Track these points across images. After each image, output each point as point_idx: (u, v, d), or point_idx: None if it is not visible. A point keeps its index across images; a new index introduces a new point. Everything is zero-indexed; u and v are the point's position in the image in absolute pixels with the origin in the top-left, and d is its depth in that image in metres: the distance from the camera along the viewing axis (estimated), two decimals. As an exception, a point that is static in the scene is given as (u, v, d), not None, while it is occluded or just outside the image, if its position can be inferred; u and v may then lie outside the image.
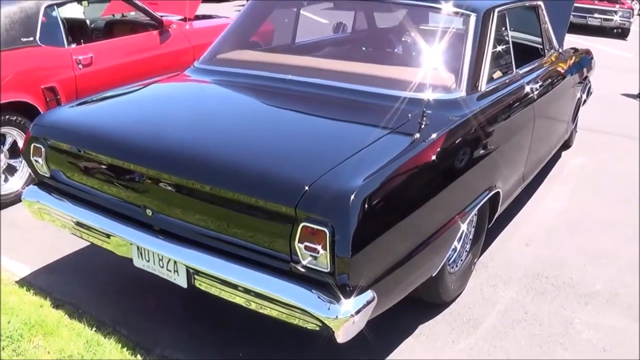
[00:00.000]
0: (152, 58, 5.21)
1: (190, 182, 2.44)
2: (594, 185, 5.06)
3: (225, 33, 3.85)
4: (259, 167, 2.39)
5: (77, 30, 5.68)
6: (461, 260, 3.25)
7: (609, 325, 3.15)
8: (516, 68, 3.68)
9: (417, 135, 2.57)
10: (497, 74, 3.43)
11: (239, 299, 2.41)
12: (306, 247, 2.15)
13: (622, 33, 16.93)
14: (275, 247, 2.29)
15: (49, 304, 3.07)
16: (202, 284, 2.51)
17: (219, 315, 3.04)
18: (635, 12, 18.05)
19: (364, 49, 4.58)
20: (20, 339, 2.77)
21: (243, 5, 4.35)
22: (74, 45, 4.78)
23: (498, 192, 3.27)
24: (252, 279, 2.33)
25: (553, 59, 4.51)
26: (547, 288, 3.46)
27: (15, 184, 4.33)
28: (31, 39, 4.40)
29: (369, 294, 2.25)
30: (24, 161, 4.14)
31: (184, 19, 5.91)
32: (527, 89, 3.69)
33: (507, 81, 3.50)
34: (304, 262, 2.19)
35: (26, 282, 3.31)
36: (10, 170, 4.35)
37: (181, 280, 2.57)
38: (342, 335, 2.21)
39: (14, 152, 4.32)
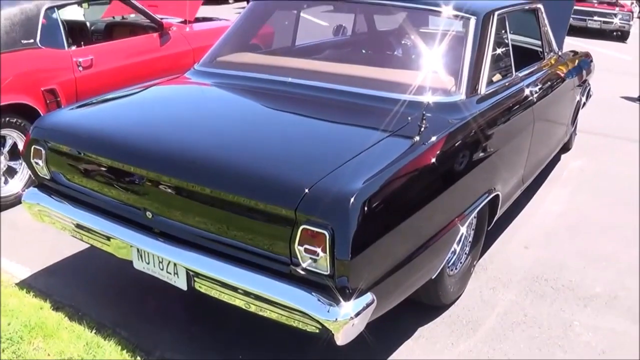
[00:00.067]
0: (152, 60, 5.21)
1: (190, 184, 2.44)
2: (593, 188, 5.07)
3: (226, 35, 3.85)
4: (259, 170, 2.39)
5: (77, 33, 5.68)
6: (460, 262, 3.26)
7: (608, 328, 3.15)
8: (516, 71, 3.69)
9: (417, 138, 2.57)
10: (497, 76, 3.44)
11: (238, 301, 2.41)
12: (306, 250, 2.15)
13: (621, 36, 16.94)
14: (275, 249, 2.30)
15: (49, 306, 3.07)
16: (202, 287, 2.51)
17: (218, 317, 3.04)
18: (635, 14, 18.07)
19: (364, 51, 4.59)
20: (20, 341, 2.77)
21: (243, 8, 4.36)
22: (74, 48, 4.78)
23: (497, 195, 3.27)
24: (252, 281, 2.33)
25: (552, 62, 4.52)
26: (546, 291, 3.46)
27: (15, 186, 4.34)
28: (31, 41, 4.41)
29: (369, 297, 2.25)
30: (24, 163, 4.14)
31: (184, 22, 5.92)
32: (527, 91, 3.70)
33: (506, 84, 3.51)
34: (304, 265, 2.19)
35: (26, 284, 3.31)
36: (11, 172, 4.36)
37: (181, 283, 2.57)
38: (342, 337, 2.21)
39: (14, 154, 4.33)
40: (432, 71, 3.24)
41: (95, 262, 3.51)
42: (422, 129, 2.61)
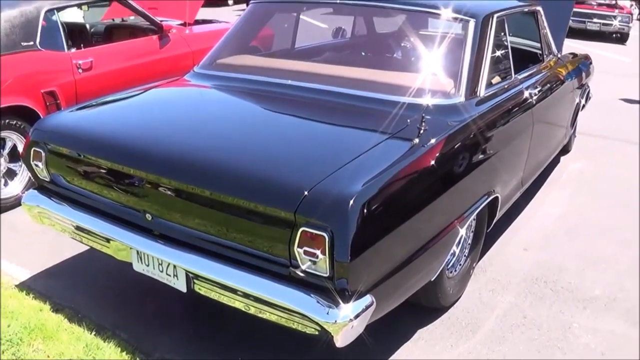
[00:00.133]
0: (152, 63, 5.22)
1: (190, 186, 2.45)
2: (592, 190, 5.07)
3: (225, 38, 3.86)
4: (258, 172, 2.39)
5: (77, 35, 5.69)
6: (460, 264, 3.26)
7: (607, 330, 3.16)
8: (515, 73, 3.69)
9: (416, 140, 2.58)
10: (496, 79, 3.44)
11: (238, 303, 2.41)
12: (305, 252, 2.16)
13: (621, 38, 16.93)
14: (275, 251, 2.30)
15: (48, 308, 3.07)
16: (202, 289, 2.52)
17: (218, 319, 3.05)
18: (635, 17, 18.07)
19: (363, 54, 4.60)
20: (20, 343, 2.77)
21: (243, 10, 4.37)
22: (74, 50, 4.79)
23: (497, 197, 3.28)
24: (252, 283, 2.33)
25: (552, 64, 4.52)
26: (545, 293, 3.46)
27: (15, 188, 4.34)
28: (31, 43, 4.41)
29: (368, 299, 2.26)
30: (23, 165, 4.13)
31: (184, 24, 5.93)
32: (526, 94, 3.70)
33: (506, 86, 3.51)
34: (303, 267, 2.19)
35: (26, 286, 3.31)
36: (10, 174, 4.36)
37: (181, 285, 2.57)
38: (341, 339, 2.22)
39: (13, 156, 4.33)
40: (431, 73, 3.24)
41: (95, 264, 3.52)
42: (422, 131, 2.61)
